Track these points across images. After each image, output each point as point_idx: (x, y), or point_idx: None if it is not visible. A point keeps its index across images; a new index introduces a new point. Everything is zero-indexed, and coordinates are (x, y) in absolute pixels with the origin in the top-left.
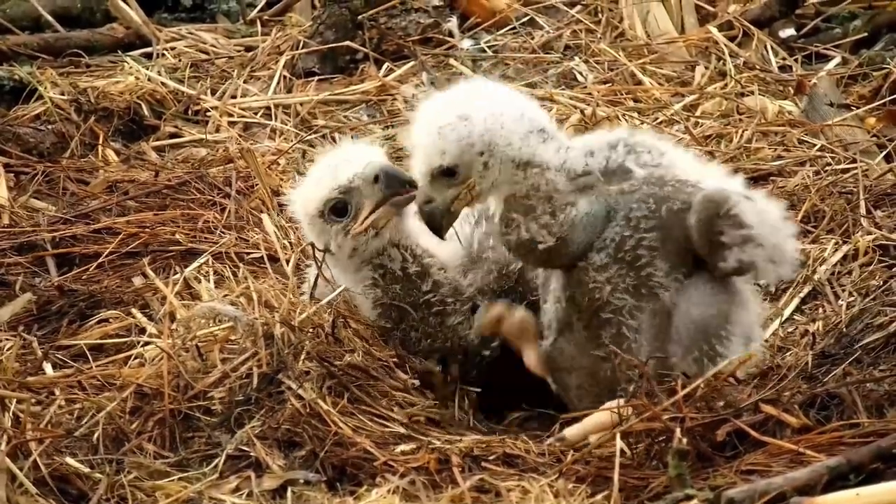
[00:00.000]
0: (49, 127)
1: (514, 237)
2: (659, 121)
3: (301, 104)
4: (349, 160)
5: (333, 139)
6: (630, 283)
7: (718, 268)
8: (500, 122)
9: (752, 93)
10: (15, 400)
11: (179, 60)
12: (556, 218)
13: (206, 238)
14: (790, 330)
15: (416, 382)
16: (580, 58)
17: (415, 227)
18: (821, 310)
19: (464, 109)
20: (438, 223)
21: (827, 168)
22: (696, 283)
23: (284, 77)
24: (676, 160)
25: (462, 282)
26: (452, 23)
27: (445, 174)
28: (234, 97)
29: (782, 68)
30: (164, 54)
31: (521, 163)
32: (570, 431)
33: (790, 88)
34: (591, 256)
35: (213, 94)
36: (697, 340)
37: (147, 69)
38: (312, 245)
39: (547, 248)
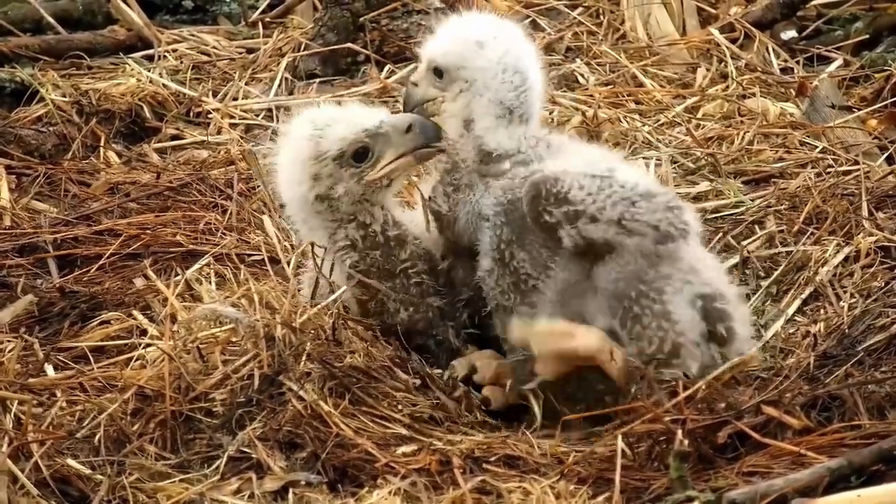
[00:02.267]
0: (51, 129)
1: (431, 192)
2: (660, 123)
3: (303, 106)
4: (366, 112)
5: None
6: (509, 281)
7: (564, 250)
8: (502, 71)
9: (754, 95)
10: (16, 401)
11: (181, 62)
12: (454, 194)
13: (207, 240)
14: (792, 331)
15: (417, 382)
16: (582, 60)
17: (391, 198)
18: (822, 311)
19: (488, 37)
20: (410, 107)
21: (829, 170)
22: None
23: (286, 79)
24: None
25: (437, 258)
26: None
27: (436, 72)
28: (235, 99)
29: (784, 70)
30: (165, 56)
31: (471, 119)
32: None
33: (792, 90)
34: (481, 261)
35: (214, 95)
36: (628, 312)
37: (149, 71)
38: (312, 245)
39: (438, 215)
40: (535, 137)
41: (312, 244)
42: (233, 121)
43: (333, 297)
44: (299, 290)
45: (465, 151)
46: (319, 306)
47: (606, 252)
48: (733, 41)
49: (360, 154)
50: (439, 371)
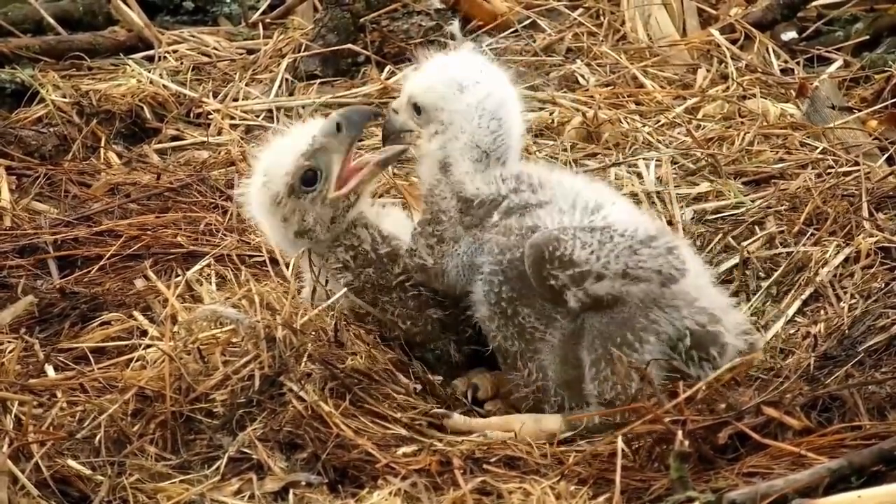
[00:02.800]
0: (51, 129)
1: (411, 243)
2: (661, 123)
3: (303, 107)
4: (297, 136)
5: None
6: (513, 331)
7: (570, 309)
8: (479, 116)
9: (754, 95)
10: (17, 402)
11: (181, 63)
12: (439, 246)
13: (207, 241)
14: (792, 332)
15: (418, 387)
16: (582, 60)
17: (378, 212)
18: (823, 312)
19: (469, 80)
20: (387, 134)
21: (829, 171)
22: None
23: (286, 80)
24: (565, 189)
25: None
26: (454, 26)
27: (415, 108)
28: (235, 100)
29: (784, 71)
30: (165, 57)
31: (446, 164)
32: (458, 419)
33: (792, 91)
34: (477, 307)
35: (214, 96)
36: (606, 354)
37: (149, 72)
38: (309, 251)
39: (423, 268)
40: (514, 178)
41: (309, 251)
42: (233, 121)
43: (333, 298)
44: (300, 290)
45: (444, 201)
46: (320, 308)
47: (612, 305)
48: (734, 42)
49: (308, 178)
50: (439, 378)
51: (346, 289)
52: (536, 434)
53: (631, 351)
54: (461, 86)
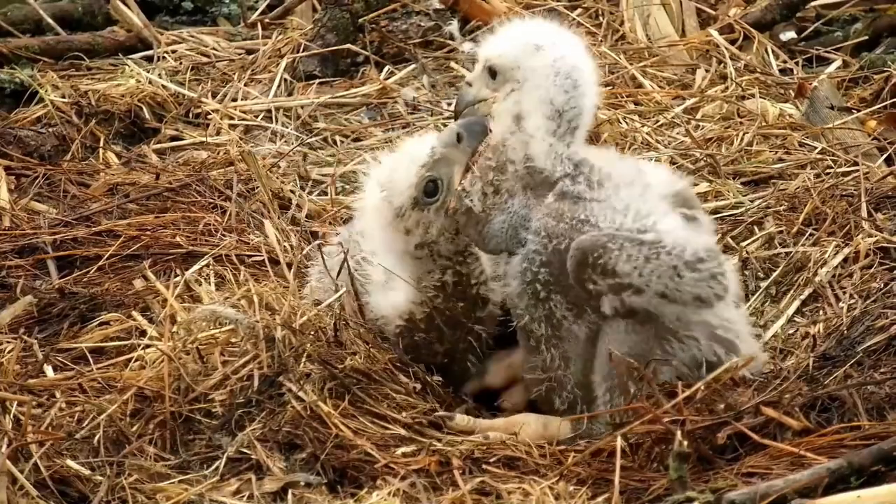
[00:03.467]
0: (50, 130)
1: (466, 184)
2: (660, 123)
3: (302, 107)
4: (414, 149)
5: (335, 142)
6: (542, 314)
7: (600, 312)
8: (555, 75)
9: (753, 96)
10: (16, 402)
11: (180, 63)
12: (493, 196)
13: (206, 241)
14: (791, 332)
15: (418, 387)
16: None
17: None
18: (822, 312)
19: (546, 41)
20: (459, 109)
21: (828, 171)
22: (613, 318)
23: (285, 80)
24: (620, 193)
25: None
26: (453, 26)
27: (490, 72)
28: (234, 100)
29: (783, 71)
30: (164, 57)
31: (520, 117)
32: (461, 420)
33: (791, 91)
34: (509, 281)
35: (213, 96)
36: (613, 377)
37: (148, 72)
38: (320, 246)
39: (468, 211)
40: (573, 164)
41: (320, 245)
42: (232, 122)
43: (332, 298)
44: (307, 283)
45: (514, 152)
46: (320, 307)
47: (646, 319)
48: (732, 42)
49: (430, 189)
50: (439, 378)
51: (344, 289)
52: (540, 437)
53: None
54: (538, 45)
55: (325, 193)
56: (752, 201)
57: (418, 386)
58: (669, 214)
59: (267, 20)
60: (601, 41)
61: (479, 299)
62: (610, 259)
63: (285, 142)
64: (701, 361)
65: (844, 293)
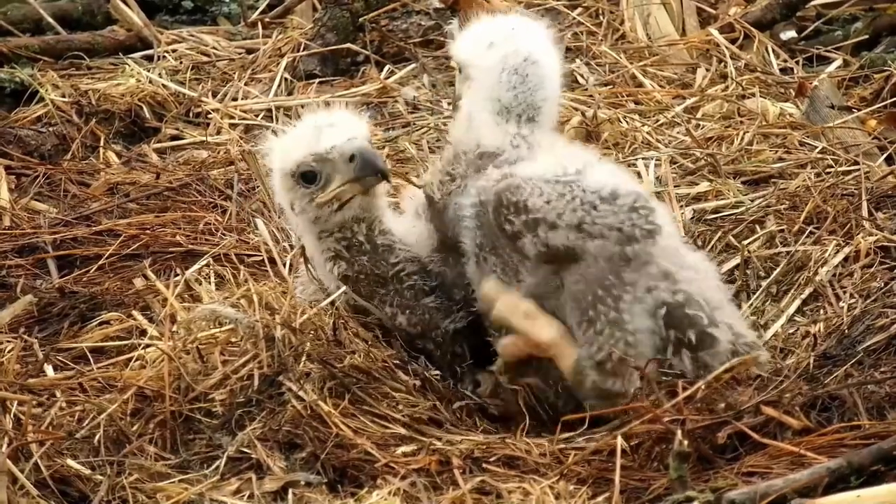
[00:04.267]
0: (50, 129)
1: (427, 177)
2: (660, 123)
3: (302, 106)
4: (334, 126)
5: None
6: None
7: (531, 258)
8: (501, 72)
9: (754, 95)
10: (16, 402)
11: (180, 63)
12: (449, 184)
13: (206, 240)
14: (791, 331)
15: (417, 383)
16: (581, 60)
17: (382, 205)
18: (822, 311)
19: (500, 37)
20: (453, 103)
21: (828, 170)
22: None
23: (285, 79)
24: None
25: (427, 262)
26: (453, 25)
27: (460, 70)
28: (235, 99)
29: (783, 70)
30: (165, 57)
31: (471, 115)
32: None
33: (791, 91)
34: (468, 262)
35: (214, 96)
36: (585, 316)
37: (148, 71)
38: (303, 248)
39: (430, 200)
40: (519, 136)
41: (303, 249)
42: (232, 121)
43: (331, 298)
44: (296, 290)
45: (465, 144)
46: (318, 307)
47: (571, 259)
48: (733, 41)
49: (307, 176)
50: (437, 373)
51: (344, 287)
52: (555, 342)
53: (608, 308)
54: (491, 42)
55: None
56: (752, 200)
57: (418, 382)
58: (604, 166)
59: (267, 19)
60: (601, 40)
61: (381, 248)
62: (522, 196)
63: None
64: (660, 304)
65: (845, 292)
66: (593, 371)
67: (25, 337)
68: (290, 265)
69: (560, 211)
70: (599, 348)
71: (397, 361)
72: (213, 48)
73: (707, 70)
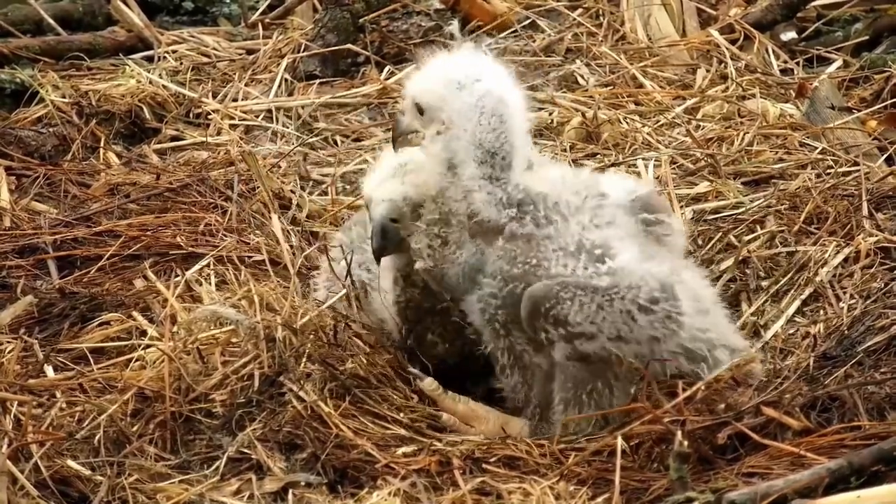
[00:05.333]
0: (50, 130)
1: (413, 242)
2: (660, 124)
3: (302, 107)
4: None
5: (335, 142)
6: (504, 346)
7: (555, 358)
8: (480, 114)
9: (754, 96)
10: (16, 402)
11: (181, 63)
12: (442, 249)
13: (207, 241)
14: (791, 332)
15: (415, 398)
16: (581, 61)
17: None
18: (822, 312)
19: (467, 78)
20: (395, 136)
21: (828, 171)
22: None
23: (286, 80)
24: (570, 226)
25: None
26: (454, 26)
27: (418, 108)
28: (235, 100)
29: (784, 71)
30: (165, 57)
31: (453, 164)
32: (431, 384)
33: (791, 91)
34: (471, 313)
35: (214, 97)
36: (575, 398)
37: (148, 72)
38: (325, 247)
39: (424, 268)
40: (516, 206)
41: (325, 246)
42: (233, 122)
43: (332, 300)
44: (315, 290)
45: (455, 203)
46: (320, 308)
47: (599, 362)
48: (733, 42)
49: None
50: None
51: (344, 290)
52: (495, 433)
53: (598, 396)
54: (460, 84)
55: (326, 193)
56: (752, 201)
57: (416, 397)
58: (626, 241)
59: (267, 20)
60: (602, 41)
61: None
62: (562, 309)
63: (286, 142)
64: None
65: (845, 293)
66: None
67: (26, 337)
68: (296, 265)
69: (600, 326)
70: (577, 425)
71: (397, 368)
72: (214, 49)
73: (707, 71)
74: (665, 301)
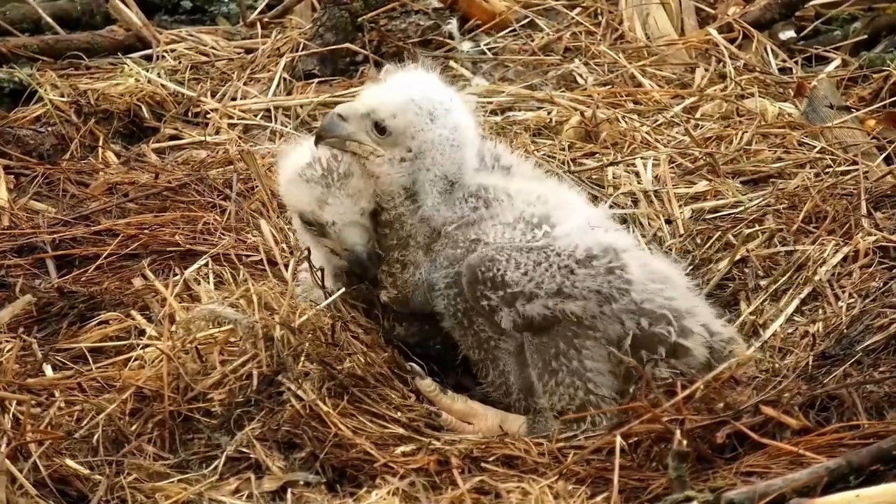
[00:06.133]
0: (49, 129)
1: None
2: (659, 123)
3: (301, 106)
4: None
5: None
6: (473, 341)
7: (505, 329)
8: (449, 147)
9: (752, 95)
10: (15, 401)
11: (179, 62)
12: (402, 273)
13: (205, 240)
14: (790, 331)
15: (413, 398)
16: (580, 60)
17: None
18: (821, 311)
19: (438, 108)
20: (324, 136)
21: (827, 170)
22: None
23: (284, 79)
24: (515, 203)
25: None
26: (452, 25)
27: (378, 127)
28: (234, 99)
29: (782, 70)
30: (164, 56)
31: (414, 193)
32: (427, 384)
33: (790, 90)
34: (444, 319)
35: (213, 96)
36: (547, 367)
37: (147, 71)
38: (308, 251)
39: (389, 298)
40: (473, 197)
41: (308, 252)
42: (231, 121)
43: (330, 300)
44: (297, 287)
45: (413, 228)
46: (317, 308)
47: (549, 325)
48: (732, 41)
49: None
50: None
51: (343, 290)
52: (494, 431)
53: (568, 360)
54: (432, 115)
55: None
56: (751, 200)
57: (413, 397)
58: (575, 210)
59: (266, 19)
60: (600, 40)
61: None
62: (499, 270)
63: (284, 141)
64: (626, 334)
65: (844, 292)
66: (555, 422)
67: (24, 337)
68: (293, 269)
69: (539, 280)
70: (560, 398)
71: (395, 368)
72: (212, 48)
73: (706, 70)
74: (604, 257)
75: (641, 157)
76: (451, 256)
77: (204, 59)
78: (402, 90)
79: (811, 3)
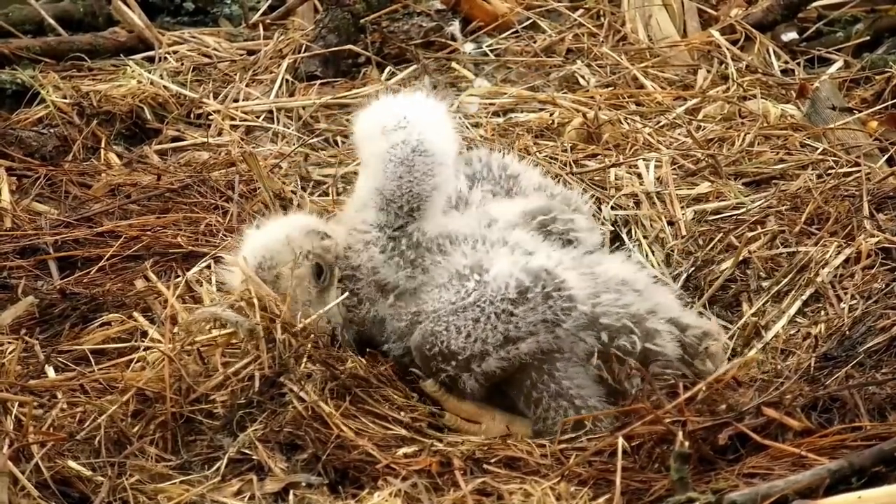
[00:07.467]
0: (51, 130)
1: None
2: (661, 124)
3: (303, 108)
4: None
5: (336, 143)
6: (441, 379)
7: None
8: (388, 161)
9: (755, 96)
10: (17, 403)
11: (182, 64)
12: (359, 308)
13: (208, 241)
14: (792, 332)
15: (416, 397)
16: (582, 61)
17: None
18: (823, 312)
19: (394, 122)
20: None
21: (829, 171)
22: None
23: (286, 81)
24: (453, 258)
25: None
26: (455, 26)
27: None
28: (236, 101)
29: (784, 72)
30: (166, 58)
31: (363, 205)
32: (433, 386)
33: (792, 92)
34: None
35: (215, 97)
36: (527, 394)
37: (149, 73)
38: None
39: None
40: (409, 263)
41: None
42: (233, 122)
43: (330, 304)
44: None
45: (356, 256)
46: (317, 314)
47: (512, 371)
48: (734, 43)
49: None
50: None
51: (343, 296)
52: (500, 431)
53: (546, 386)
54: (384, 128)
55: (327, 194)
56: (753, 202)
57: (416, 396)
58: (502, 253)
59: (268, 21)
60: (602, 42)
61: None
62: (442, 343)
63: (286, 142)
64: (591, 352)
65: (846, 294)
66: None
67: (27, 338)
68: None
69: (482, 337)
70: (553, 421)
71: (395, 371)
72: (215, 49)
73: (708, 71)
74: (536, 285)
75: (643, 159)
76: (399, 331)
77: (206, 60)
78: (373, 109)
79: (813, 4)
